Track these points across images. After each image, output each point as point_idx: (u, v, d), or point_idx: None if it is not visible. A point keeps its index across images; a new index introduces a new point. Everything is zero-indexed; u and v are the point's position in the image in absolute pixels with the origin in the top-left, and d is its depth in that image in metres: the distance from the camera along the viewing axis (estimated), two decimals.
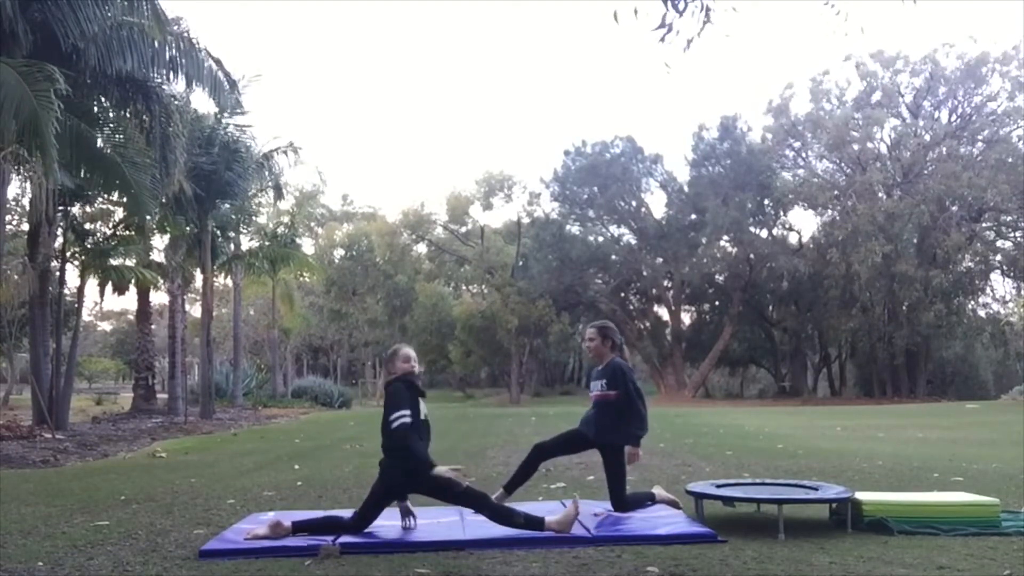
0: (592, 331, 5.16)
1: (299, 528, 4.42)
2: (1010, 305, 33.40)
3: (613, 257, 39.67)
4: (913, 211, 30.91)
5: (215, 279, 24.13)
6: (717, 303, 40.74)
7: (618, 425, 4.93)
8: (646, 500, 5.09)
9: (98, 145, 12.05)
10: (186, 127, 13.93)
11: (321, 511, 5.12)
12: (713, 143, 36.44)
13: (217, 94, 13.33)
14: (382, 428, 4.56)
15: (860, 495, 4.77)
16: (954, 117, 34.63)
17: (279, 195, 23.57)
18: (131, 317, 34.44)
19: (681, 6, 4.37)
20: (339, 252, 47.59)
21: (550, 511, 5.06)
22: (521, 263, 40.65)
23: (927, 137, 34.06)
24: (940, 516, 4.48)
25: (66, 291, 18.51)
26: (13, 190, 14.31)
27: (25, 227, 16.44)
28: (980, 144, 33.30)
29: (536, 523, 4.33)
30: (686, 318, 41.78)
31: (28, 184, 13.70)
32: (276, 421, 18.45)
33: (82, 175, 12.87)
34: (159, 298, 26.64)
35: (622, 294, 40.74)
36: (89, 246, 17.42)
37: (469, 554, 4.04)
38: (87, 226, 17.74)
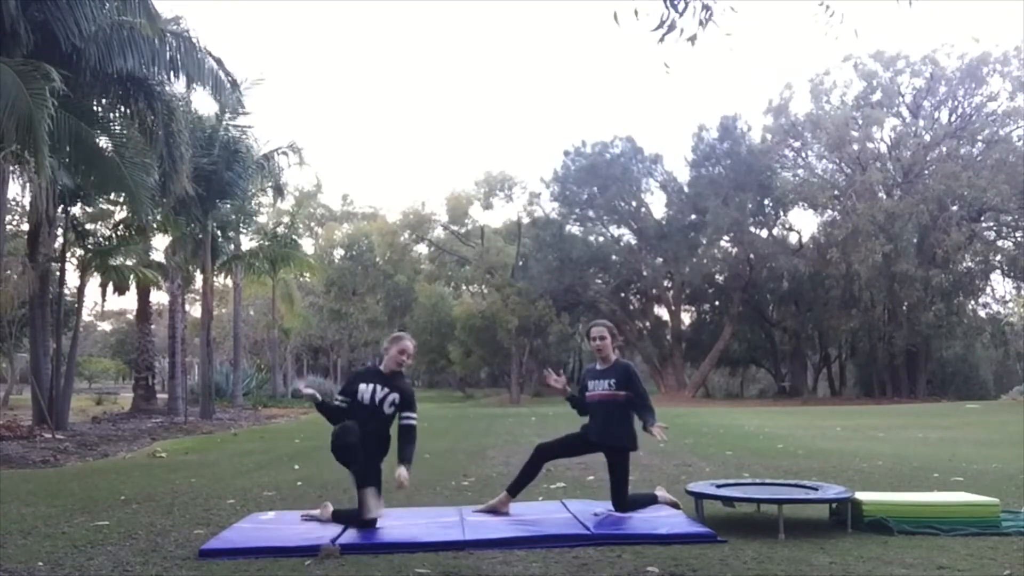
0: (602, 329, 5.12)
1: (336, 517, 4.79)
2: (1010, 305, 33.39)
3: (613, 257, 39.66)
4: (913, 211, 30.90)
5: (215, 279, 24.12)
6: (717, 303, 40.73)
7: (624, 427, 4.94)
8: (648, 502, 5.08)
9: (98, 145, 12.04)
10: (187, 127, 13.93)
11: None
12: (713, 143, 36.43)
13: (218, 93, 13.33)
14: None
15: (860, 495, 4.77)
16: (954, 117, 34.61)
17: (279, 195, 23.57)
18: (131, 317, 34.46)
19: (681, 6, 4.37)
20: (339, 252, 47.59)
21: (549, 511, 5.08)
22: (521, 263, 40.65)
23: (927, 137, 34.03)
24: (940, 516, 4.48)
25: (66, 291, 18.50)
26: (14, 190, 14.28)
27: (25, 227, 16.44)
28: (980, 144, 33.25)
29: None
30: (686, 318, 41.81)
31: (29, 184, 13.70)
32: (276, 421, 18.46)
33: (82, 175, 12.86)
34: (159, 298, 26.65)
35: (622, 294, 40.72)
36: (89, 246, 17.41)
37: (469, 554, 4.03)
38: (87, 226, 17.73)
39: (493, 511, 4.97)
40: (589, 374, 5.19)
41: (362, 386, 4.85)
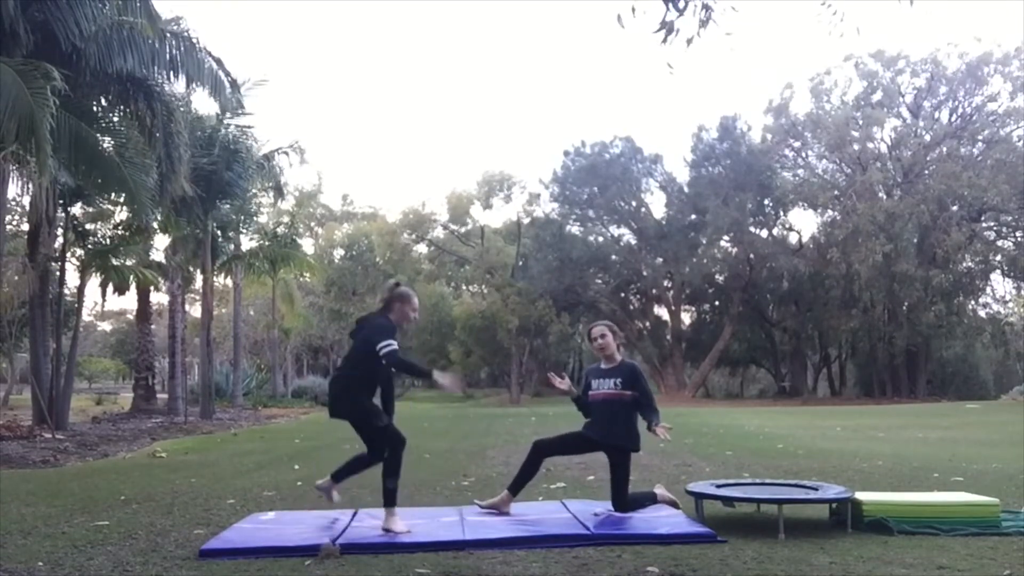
0: (603, 328, 5.14)
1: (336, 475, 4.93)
2: (1010, 305, 33.41)
3: (613, 257, 39.68)
4: (913, 211, 30.91)
5: (215, 279, 24.12)
6: (717, 303, 40.74)
7: (628, 427, 4.94)
8: (647, 501, 5.08)
9: (98, 145, 12.04)
10: (187, 127, 13.92)
11: (321, 511, 5.13)
12: (713, 143, 36.45)
13: (218, 94, 13.31)
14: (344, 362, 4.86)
15: (860, 495, 4.77)
16: (955, 117, 34.61)
17: (279, 195, 23.56)
18: (131, 317, 34.44)
19: (681, 5, 4.37)
20: (339, 252, 47.58)
21: (549, 511, 5.08)
22: (521, 263, 40.67)
23: (927, 137, 34.03)
24: (940, 516, 4.48)
25: (66, 291, 18.50)
26: (13, 190, 14.26)
27: (25, 227, 16.43)
28: (980, 144, 33.26)
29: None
30: (686, 318, 41.82)
31: (29, 184, 13.70)
32: (276, 421, 18.46)
33: (82, 175, 12.85)
34: (159, 298, 26.64)
35: (622, 294, 40.74)
36: (89, 246, 17.42)
37: (469, 554, 4.03)
38: (87, 226, 17.74)
39: (494, 508, 4.97)
40: (593, 373, 5.18)
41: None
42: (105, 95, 12.41)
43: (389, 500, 4.54)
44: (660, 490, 5.32)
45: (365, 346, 4.62)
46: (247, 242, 26.40)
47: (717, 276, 38.06)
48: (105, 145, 12.21)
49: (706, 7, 4.38)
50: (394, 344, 4.55)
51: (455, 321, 41.15)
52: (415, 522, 4.73)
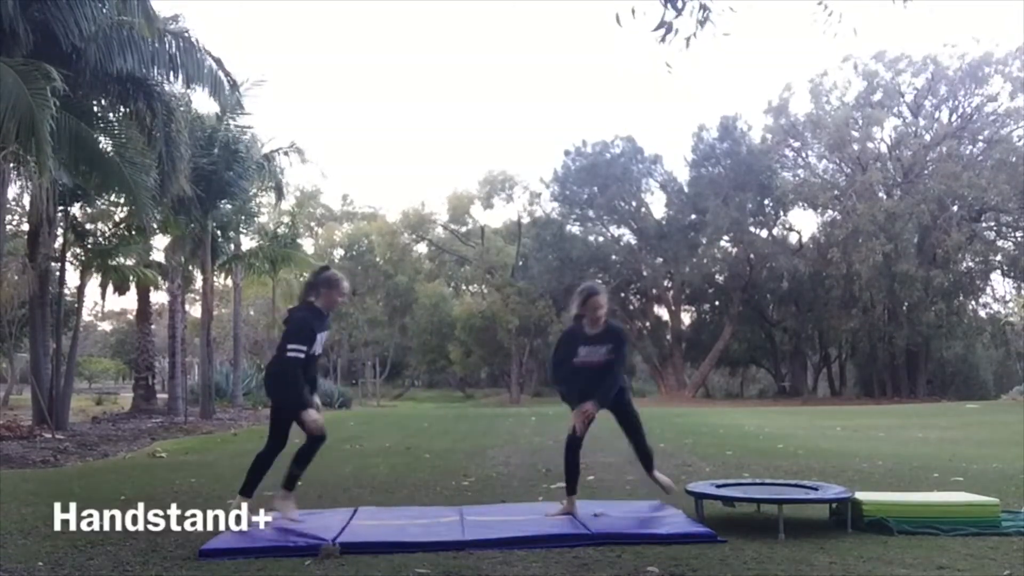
0: (604, 298, 4.87)
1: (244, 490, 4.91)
2: (1010, 305, 33.42)
3: (613, 257, 39.71)
4: (913, 211, 30.93)
5: (215, 279, 24.09)
6: (717, 303, 40.76)
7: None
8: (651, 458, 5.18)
9: (98, 145, 12.02)
10: (187, 127, 13.90)
11: (320, 510, 5.13)
12: (713, 143, 36.49)
13: (217, 94, 13.29)
14: (278, 349, 4.80)
15: (860, 495, 4.77)
16: (955, 117, 34.62)
17: (280, 196, 23.52)
18: (131, 317, 34.38)
19: (679, 5, 4.38)
20: (339, 252, 47.60)
21: (546, 511, 5.08)
22: (521, 263, 40.69)
23: (927, 137, 34.07)
24: (940, 516, 4.48)
25: (66, 291, 18.49)
26: (13, 190, 14.27)
27: (25, 227, 16.42)
28: (981, 144, 33.30)
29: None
30: (686, 318, 41.86)
31: (29, 184, 13.69)
32: None
33: (82, 175, 12.85)
34: (159, 298, 26.61)
35: (622, 294, 40.73)
36: (89, 246, 17.41)
37: (469, 554, 4.03)
38: (87, 226, 17.72)
39: (567, 514, 4.90)
40: (580, 339, 4.87)
41: (319, 335, 4.81)
42: (105, 95, 12.39)
43: (246, 489, 4.89)
44: (660, 475, 5.26)
45: (283, 342, 4.74)
46: (247, 242, 26.34)
47: (717, 276, 38.09)
48: (105, 145, 12.19)
49: (704, 7, 4.38)
50: (301, 352, 4.62)
51: (455, 321, 41.15)
52: (415, 522, 4.73)
